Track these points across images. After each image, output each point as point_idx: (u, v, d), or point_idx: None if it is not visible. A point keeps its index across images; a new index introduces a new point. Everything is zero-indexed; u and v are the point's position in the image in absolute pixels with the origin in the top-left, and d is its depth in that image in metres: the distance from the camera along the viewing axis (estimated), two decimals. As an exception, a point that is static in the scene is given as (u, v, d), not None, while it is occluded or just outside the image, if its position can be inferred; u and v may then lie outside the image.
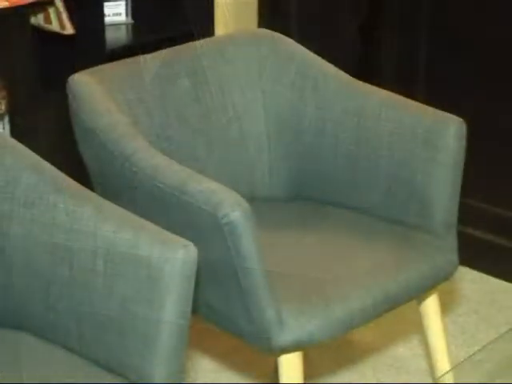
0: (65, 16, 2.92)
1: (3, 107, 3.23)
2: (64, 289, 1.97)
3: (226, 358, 2.82)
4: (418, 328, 2.89)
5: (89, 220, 1.95)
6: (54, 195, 2.00)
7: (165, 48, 2.62)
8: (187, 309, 1.85)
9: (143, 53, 2.59)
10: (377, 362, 2.83)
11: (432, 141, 2.40)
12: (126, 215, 1.94)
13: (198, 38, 2.79)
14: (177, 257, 1.83)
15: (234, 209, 2.02)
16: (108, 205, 1.98)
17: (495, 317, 3.04)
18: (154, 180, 2.13)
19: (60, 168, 2.09)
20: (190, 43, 2.67)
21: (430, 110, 2.46)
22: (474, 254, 2.99)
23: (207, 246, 2.01)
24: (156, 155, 2.19)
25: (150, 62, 2.52)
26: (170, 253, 1.83)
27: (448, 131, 2.39)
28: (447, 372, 2.44)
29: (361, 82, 2.58)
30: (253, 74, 2.62)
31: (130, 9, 3.40)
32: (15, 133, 2.77)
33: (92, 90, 2.33)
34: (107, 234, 1.91)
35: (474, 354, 2.26)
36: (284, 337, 2.11)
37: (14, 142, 2.13)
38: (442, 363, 2.54)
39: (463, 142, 2.41)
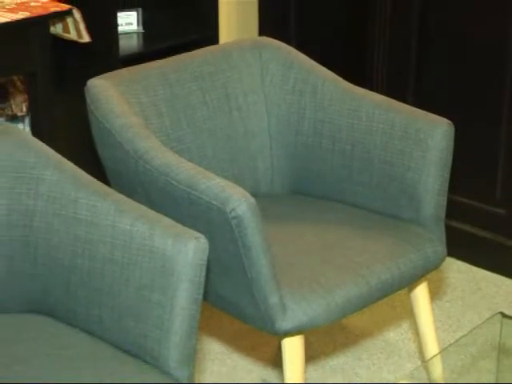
0: (82, 26, 2.92)
1: (24, 109, 3.24)
2: (84, 278, 1.98)
3: (233, 341, 2.82)
4: (408, 314, 2.92)
5: (107, 214, 1.96)
6: (75, 191, 2.01)
7: (173, 55, 2.63)
8: (198, 296, 1.86)
9: (153, 59, 2.60)
10: (370, 346, 2.83)
11: (422, 141, 2.40)
12: (141, 209, 1.95)
13: (204, 46, 2.80)
14: (189, 248, 1.84)
15: (240, 203, 2.02)
16: (125, 200, 1.99)
17: (478, 303, 3.04)
18: (166, 177, 2.13)
19: (77, 166, 2.10)
20: (197, 50, 2.67)
21: (421, 112, 2.46)
22: (460, 246, 2.99)
23: (216, 238, 2.02)
24: (167, 154, 2.19)
25: (161, 67, 2.52)
26: (182, 244, 1.84)
27: (437, 132, 2.40)
28: (436, 355, 2.45)
29: (356, 87, 2.58)
30: (256, 79, 2.62)
31: (140, 19, 3.41)
32: (35, 133, 2.77)
33: (108, 93, 2.33)
34: (124, 227, 1.92)
35: (460, 339, 2.26)
36: (287, 321, 2.12)
37: (37, 141, 2.13)
38: (431, 346, 2.54)
39: (451, 142, 2.42)
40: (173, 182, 2.12)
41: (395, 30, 3.21)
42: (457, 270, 3.17)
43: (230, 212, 2.02)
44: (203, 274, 1.86)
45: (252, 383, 2.66)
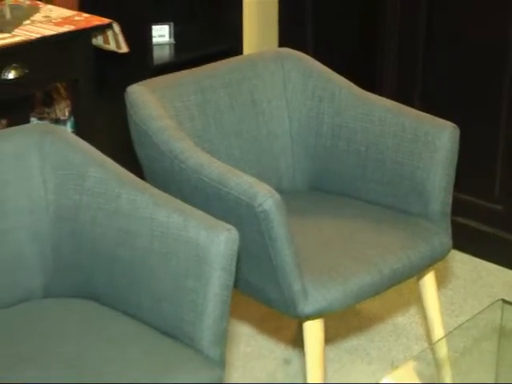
0: (120, 38, 2.92)
1: (66, 113, 3.25)
2: (125, 266, 1.98)
3: (257, 324, 2.82)
4: (415, 301, 2.91)
5: (146, 208, 1.96)
6: (117, 187, 2.02)
7: (201, 64, 2.63)
8: (230, 283, 1.87)
9: (183, 68, 2.60)
10: (381, 329, 2.83)
11: (430, 142, 2.40)
12: (177, 203, 1.96)
13: (230, 56, 2.80)
14: (221, 238, 1.84)
15: (267, 199, 2.03)
16: (162, 194, 1.99)
17: (479, 291, 3.03)
18: (198, 174, 2.14)
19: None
20: (226, 60, 2.66)
21: (428, 116, 2.46)
22: (463, 239, 2.98)
23: (244, 230, 2.01)
24: (200, 154, 2.20)
25: (193, 75, 2.52)
26: (215, 235, 1.85)
27: (444, 134, 2.39)
28: (442, 338, 2.44)
29: (369, 93, 2.57)
30: (278, 86, 2.62)
31: (172, 31, 3.41)
32: (78, 135, 2.76)
33: (146, 98, 2.33)
34: (162, 220, 1.93)
35: (463, 323, 2.26)
36: (308, 306, 2.12)
37: (82, 141, 2.14)
38: (437, 330, 2.53)
39: (456, 144, 2.41)
40: (205, 179, 2.12)
41: (403, 40, 3.20)
42: (459, 261, 3.16)
43: (258, 207, 2.03)
44: (234, 262, 1.87)
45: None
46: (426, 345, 2.74)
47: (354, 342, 2.77)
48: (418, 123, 2.44)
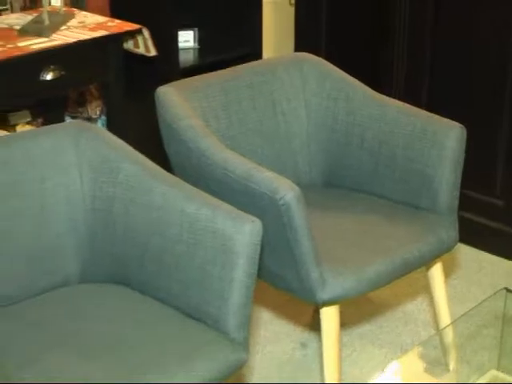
0: (150, 42, 2.92)
1: (98, 112, 3.25)
2: (156, 255, 1.98)
3: (276, 311, 2.82)
4: (423, 289, 2.90)
5: (176, 200, 1.96)
6: (149, 181, 2.01)
7: (224, 67, 2.62)
8: (254, 271, 1.87)
9: (207, 71, 2.59)
10: (391, 316, 2.82)
11: (439, 141, 2.39)
12: (205, 196, 1.96)
13: (250, 60, 2.79)
14: (246, 229, 1.84)
15: (288, 192, 2.02)
16: (191, 188, 1.99)
17: (481, 281, 3.02)
18: (224, 170, 2.14)
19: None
20: (248, 63, 2.66)
21: (437, 117, 2.45)
22: (466, 232, 2.95)
23: (267, 221, 2.00)
24: (225, 150, 2.19)
25: (218, 77, 2.52)
26: (240, 226, 1.85)
27: (452, 134, 2.38)
28: (449, 324, 2.43)
29: (381, 95, 2.56)
30: (297, 88, 2.61)
31: (196, 37, 3.41)
32: (110, 132, 2.78)
33: (174, 98, 2.33)
34: (191, 212, 1.92)
35: (469, 311, 2.24)
36: (325, 293, 2.12)
37: (116, 138, 2.14)
38: (444, 317, 2.52)
39: (463, 143, 2.40)
40: (230, 174, 2.12)
41: (411, 48, 3.20)
42: (463, 253, 3.15)
43: (280, 200, 2.02)
44: (258, 252, 1.86)
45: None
46: (432, 330, 2.73)
47: (365, 328, 2.76)
48: (428, 123, 2.43)
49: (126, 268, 2.05)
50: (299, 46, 3.53)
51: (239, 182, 2.10)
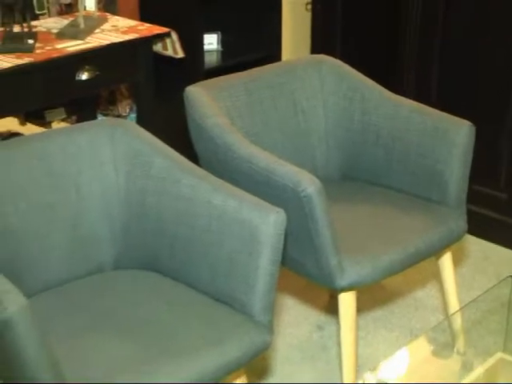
0: (177, 45, 2.92)
1: (127, 110, 3.25)
2: (186, 243, 1.98)
3: (295, 296, 2.81)
4: (432, 277, 2.89)
5: (205, 192, 1.95)
6: (180, 174, 2.01)
7: (245, 69, 2.61)
8: (278, 258, 1.86)
9: (229, 72, 2.58)
10: (402, 302, 2.81)
11: (449, 138, 2.37)
12: (232, 189, 1.95)
13: (270, 61, 2.78)
14: (271, 219, 1.83)
15: (310, 185, 2.01)
16: (219, 181, 1.99)
17: (486, 269, 3.00)
18: (249, 164, 2.13)
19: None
20: (269, 65, 2.65)
21: (447, 115, 2.43)
22: (472, 224, 2.94)
23: (289, 212, 1.98)
24: (250, 146, 2.18)
25: (242, 78, 2.51)
26: (265, 216, 1.84)
27: (461, 131, 2.37)
28: (458, 310, 2.42)
29: (394, 94, 2.55)
30: (315, 88, 2.59)
31: (220, 40, 3.40)
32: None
33: (202, 98, 2.32)
34: (219, 203, 1.92)
35: (477, 298, 2.22)
36: (344, 279, 2.11)
37: (148, 134, 2.13)
38: (453, 303, 2.51)
39: (472, 140, 2.39)
40: (255, 167, 2.11)
41: (421, 51, 3.18)
42: (470, 243, 3.13)
43: (302, 192, 2.01)
44: (282, 241, 1.86)
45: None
46: (441, 316, 2.72)
47: (378, 313, 2.75)
48: (439, 121, 2.42)
49: (158, 256, 2.05)
50: (315, 48, 3.52)
51: (263, 174, 2.09)
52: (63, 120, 3.11)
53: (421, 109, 2.48)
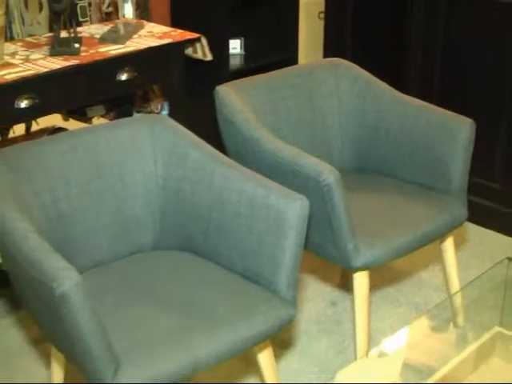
0: (206, 49, 2.91)
1: (159, 108, 3.24)
2: (218, 227, 1.98)
3: (311, 275, 2.81)
4: (434, 259, 2.88)
5: (235, 181, 1.95)
6: (212, 164, 2.01)
7: (266, 71, 2.59)
8: (302, 241, 1.86)
9: (251, 74, 2.57)
10: (407, 281, 2.81)
11: (453, 134, 2.36)
12: (260, 178, 1.94)
13: (288, 64, 2.77)
14: (296, 205, 1.84)
15: (330, 176, 2.01)
16: (248, 171, 1.98)
17: (482, 253, 2.99)
18: (275, 156, 2.13)
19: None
20: (290, 67, 2.64)
21: (451, 113, 2.42)
22: (470, 212, 2.94)
23: (310, 200, 1.97)
24: (275, 139, 2.18)
25: (266, 79, 2.50)
26: (291, 203, 1.84)
27: (464, 128, 2.36)
28: (459, 290, 2.41)
29: (404, 94, 2.53)
30: (331, 88, 2.58)
31: (243, 45, 3.40)
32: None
33: (231, 96, 2.32)
34: (249, 191, 1.92)
35: (476, 277, 2.22)
36: (359, 260, 2.11)
37: (183, 128, 2.13)
38: (454, 283, 2.51)
39: (473, 135, 2.38)
40: (280, 160, 2.11)
41: (424, 56, 3.17)
42: (467, 229, 3.13)
43: (323, 181, 2.01)
44: (305, 225, 1.86)
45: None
46: (442, 293, 2.71)
47: (385, 291, 2.75)
48: (444, 119, 2.40)
49: (192, 238, 2.05)
50: (327, 53, 3.50)
51: (288, 166, 2.09)
52: (102, 116, 3.11)
53: (427, 107, 2.47)
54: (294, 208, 1.83)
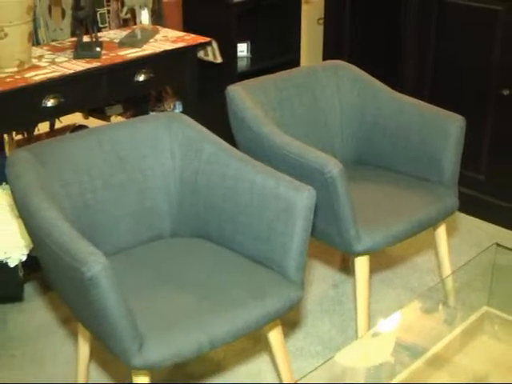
0: (217, 52, 2.90)
1: (171, 107, 3.23)
2: (231, 215, 1.97)
3: (314, 259, 2.81)
4: (426, 244, 2.88)
5: (247, 173, 1.95)
6: (226, 157, 2.01)
7: (270, 72, 2.58)
8: (309, 228, 1.86)
9: (257, 75, 2.55)
10: (402, 265, 2.81)
11: (445, 129, 2.36)
12: (271, 170, 1.94)
13: (291, 66, 2.76)
14: (304, 195, 1.83)
15: (334, 168, 2.01)
16: (259, 164, 1.97)
17: (469, 239, 2.99)
18: (283, 150, 2.12)
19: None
20: (294, 69, 2.63)
21: (444, 110, 2.41)
22: (460, 202, 2.95)
23: (316, 190, 1.97)
24: (283, 135, 2.18)
25: (273, 79, 2.49)
26: (299, 193, 1.84)
27: (455, 124, 2.36)
28: (450, 274, 2.41)
29: (400, 94, 2.53)
30: (333, 88, 2.57)
31: (249, 48, 3.38)
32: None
33: (241, 94, 2.31)
34: (259, 181, 1.91)
35: (467, 262, 2.22)
36: (360, 246, 2.12)
37: (199, 125, 2.12)
38: (446, 267, 2.51)
39: (464, 131, 2.37)
40: (288, 154, 2.11)
41: (418, 59, 3.17)
42: (456, 218, 3.13)
43: (328, 173, 2.01)
44: (312, 213, 1.86)
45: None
46: (434, 276, 2.71)
47: (382, 274, 2.75)
48: (437, 116, 2.40)
49: (207, 226, 2.05)
50: (326, 56, 3.49)
51: (295, 159, 2.08)
52: (120, 114, 3.10)
53: (421, 105, 2.46)
54: (302, 198, 1.83)
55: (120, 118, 3.09)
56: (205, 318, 1.71)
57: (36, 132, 2.85)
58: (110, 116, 3.07)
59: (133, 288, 1.79)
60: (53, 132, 2.91)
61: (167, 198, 2.07)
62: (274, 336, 1.94)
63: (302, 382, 1.69)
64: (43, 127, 2.87)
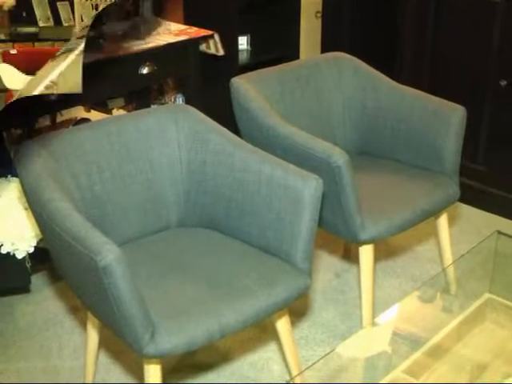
0: (219, 45, 2.89)
1: (173, 100, 3.21)
2: (239, 205, 1.97)
3: (318, 249, 2.82)
4: (427, 234, 2.88)
5: (254, 163, 1.94)
6: (232, 148, 2.00)
7: (270, 65, 2.57)
8: (316, 217, 1.86)
9: (257, 68, 2.54)
10: (403, 254, 2.82)
11: (446, 120, 2.36)
12: (278, 160, 1.94)
13: (291, 59, 2.75)
14: (312, 185, 1.83)
15: (340, 158, 2.01)
16: (266, 154, 1.97)
17: (469, 228, 3.00)
18: (288, 140, 2.12)
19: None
20: (295, 61, 2.63)
21: (444, 101, 2.41)
22: (462, 192, 2.97)
23: (322, 180, 1.99)
24: (288, 125, 2.18)
25: (275, 72, 2.49)
26: (307, 183, 1.84)
27: (456, 114, 2.36)
28: (453, 262, 2.42)
29: (401, 84, 2.53)
30: (335, 80, 2.57)
31: (249, 41, 3.37)
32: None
33: (245, 86, 2.31)
34: (267, 171, 1.91)
35: (469, 250, 2.22)
36: (365, 234, 2.12)
37: (205, 116, 2.11)
38: (447, 255, 2.52)
39: (464, 121, 2.38)
40: (294, 144, 2.11)
41: (416, 51, 3.17)
42: (456, 207, 3.14)
43: (333, 163, 2.01)
44: (320, 203, 1.85)
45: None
46: (435, 264, 2.72)
47: (383, 263, 2.76)
48: (438, 106, 2.40)
49: (215, 216, 2.04)
50: (325, 49, 3.50)
51: (301, 149, 2.08)
52: (122, 107, 3.09)
53: (422, 95, 2.46)
54: (310, 187, 1.83)
55: (122, 111, 3.08)
56: (215, 306, 1.71)
57: (37, 126, 2.84)
58: (111, 109, 3.05)
59: (143, 277, 1.79)
60: (54, 125, 2.89)
61: (175, 189, 2.07)
62: (282, 325, 1.94)
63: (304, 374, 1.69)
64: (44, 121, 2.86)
